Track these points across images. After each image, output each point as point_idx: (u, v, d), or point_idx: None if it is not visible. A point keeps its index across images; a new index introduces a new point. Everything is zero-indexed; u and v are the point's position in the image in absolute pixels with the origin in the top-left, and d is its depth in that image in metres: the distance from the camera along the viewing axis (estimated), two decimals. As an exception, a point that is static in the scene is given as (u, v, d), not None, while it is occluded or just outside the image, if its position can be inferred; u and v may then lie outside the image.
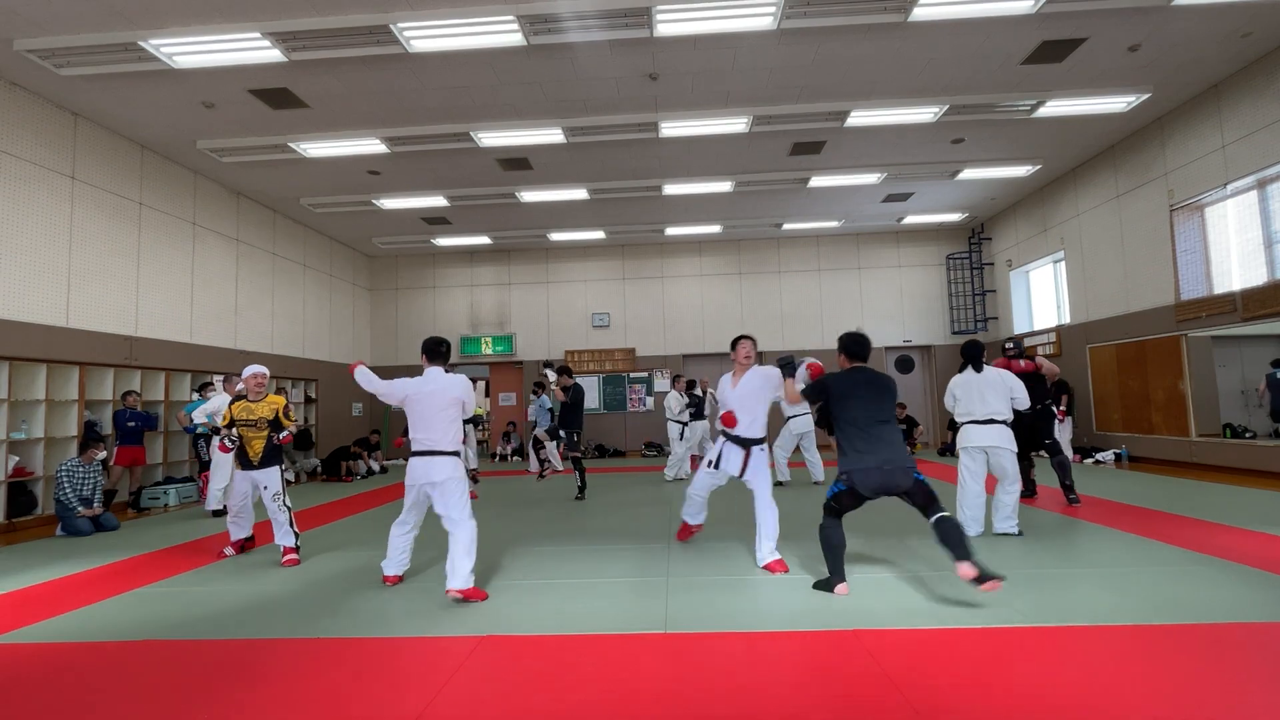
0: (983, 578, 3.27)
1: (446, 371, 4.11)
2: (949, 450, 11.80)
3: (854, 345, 3.92)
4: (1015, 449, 5.09)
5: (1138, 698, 2.39)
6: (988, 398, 5.06)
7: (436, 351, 4.09)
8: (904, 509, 6.07)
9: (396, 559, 4.25)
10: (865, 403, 3.71)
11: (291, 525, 4.96)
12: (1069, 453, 10.11)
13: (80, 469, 6.57)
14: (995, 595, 3.58)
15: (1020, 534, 5.02)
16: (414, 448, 3.98)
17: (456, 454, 4.00)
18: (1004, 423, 5.05)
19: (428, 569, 4.63)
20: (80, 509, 6.44)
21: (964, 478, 5.14)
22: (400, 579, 4.28)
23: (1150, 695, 2.40)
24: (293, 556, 4.89)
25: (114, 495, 7.90)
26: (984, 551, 4.59)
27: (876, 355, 13.99)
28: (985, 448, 5.03)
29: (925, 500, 3.60)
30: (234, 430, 5.12)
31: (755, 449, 4.49)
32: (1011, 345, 6.91)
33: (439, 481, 3.91)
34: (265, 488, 5.04)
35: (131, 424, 7.79)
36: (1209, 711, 2.28)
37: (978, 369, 5.17)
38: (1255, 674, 2.57)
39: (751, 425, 4.52)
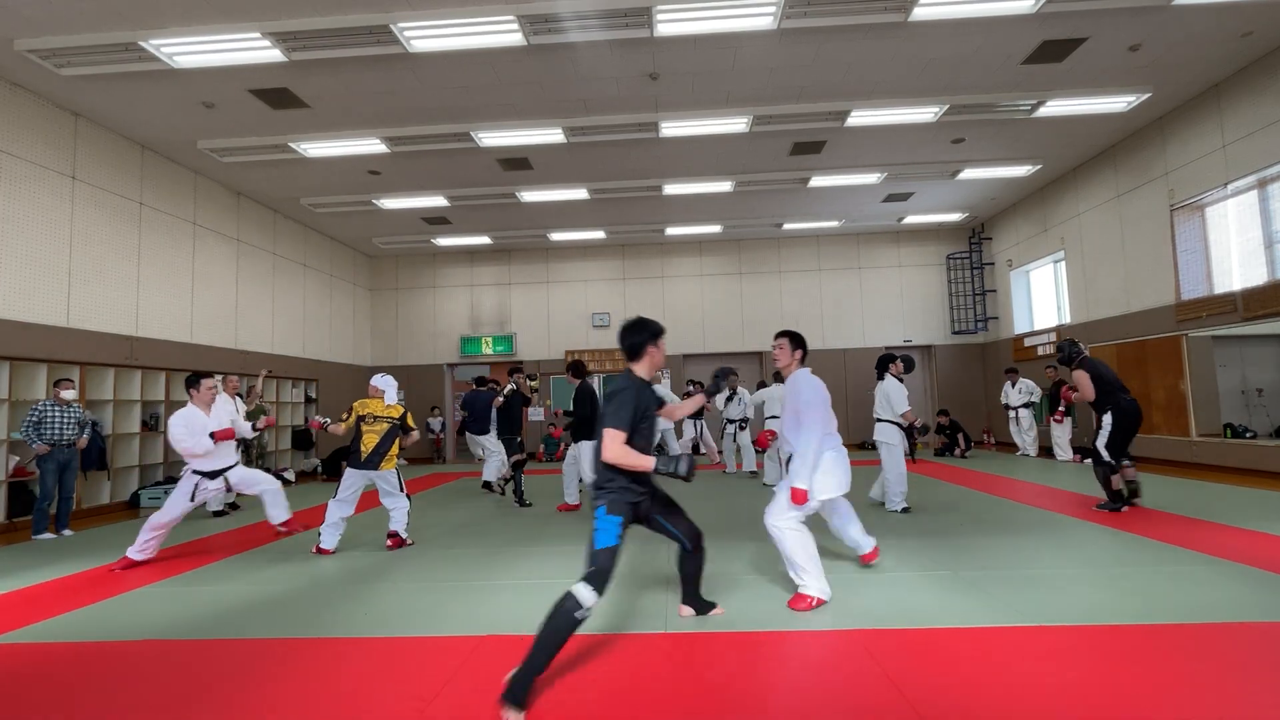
0: None
1: None
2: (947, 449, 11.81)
3: None
4: (888, 440, 6.21)
5: (1137, 697, 2.39)
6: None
7: None
8: (891, 512, 6.11)
9: None
10: None
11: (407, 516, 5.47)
12: (1068, 453, 10.11)
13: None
14: (995, 596, 3.58)
15: (904, 510, 6.12)
16: None
17: None
18: (887, 421, 6.26)
19: (429, 570, 4.63)
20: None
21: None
22: None
23: (1150, 695, 2.40)
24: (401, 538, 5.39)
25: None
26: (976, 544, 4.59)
27: (875, 355, 13.97)
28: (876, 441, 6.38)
29: None
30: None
31: None
32: (1059, 350, 6.32)
33: None
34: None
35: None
36: (1208, 711, 2.28)
37: (880, 378, 6.40)
38: (1255, 674, 2.57)
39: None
